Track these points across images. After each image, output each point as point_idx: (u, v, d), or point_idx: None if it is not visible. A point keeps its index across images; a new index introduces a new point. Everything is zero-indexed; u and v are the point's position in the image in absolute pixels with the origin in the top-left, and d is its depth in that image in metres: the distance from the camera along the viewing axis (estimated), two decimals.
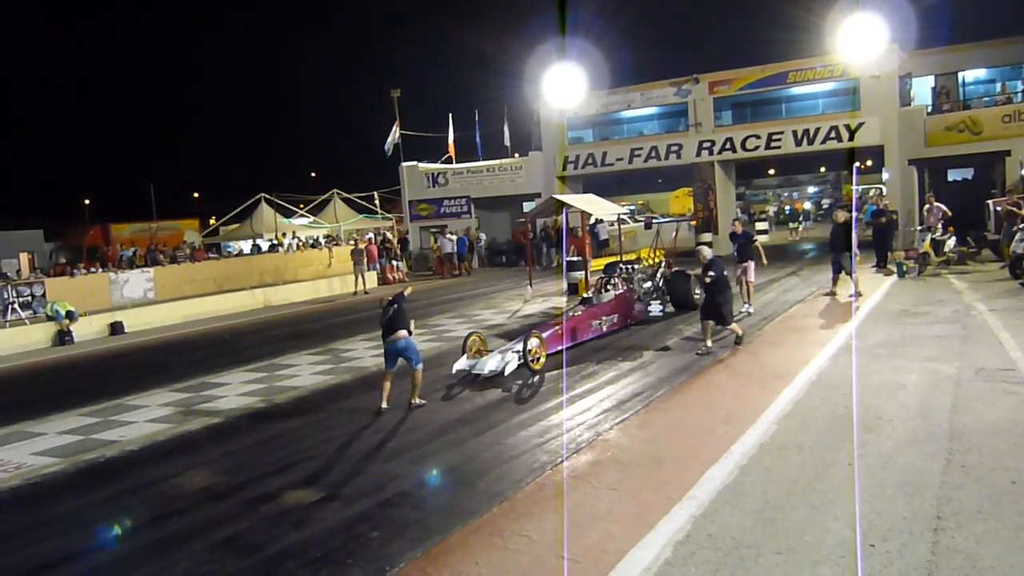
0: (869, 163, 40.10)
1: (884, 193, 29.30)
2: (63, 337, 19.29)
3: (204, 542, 6.08)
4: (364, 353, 13.91)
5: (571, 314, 13.35)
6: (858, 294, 15.66)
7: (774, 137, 29.27)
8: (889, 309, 14.09)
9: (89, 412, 10.99)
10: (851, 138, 27.77)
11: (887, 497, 5.76)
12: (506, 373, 10.81)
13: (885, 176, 28.91)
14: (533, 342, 11.31)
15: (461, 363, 11.17)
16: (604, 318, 13.73)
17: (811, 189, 72.65)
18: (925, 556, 4.85)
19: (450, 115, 36.95)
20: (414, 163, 36.11)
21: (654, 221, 17.43)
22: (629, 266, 15.95)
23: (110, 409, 11.09)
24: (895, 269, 18.60)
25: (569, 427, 8.34)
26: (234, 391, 11.72)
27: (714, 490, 6.16)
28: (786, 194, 69.81)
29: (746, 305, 14.70)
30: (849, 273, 15.68)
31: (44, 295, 20.88)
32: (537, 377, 10.94)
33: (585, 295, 14.86)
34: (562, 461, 7.24)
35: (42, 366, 16.72)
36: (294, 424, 9.67)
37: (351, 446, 8.45)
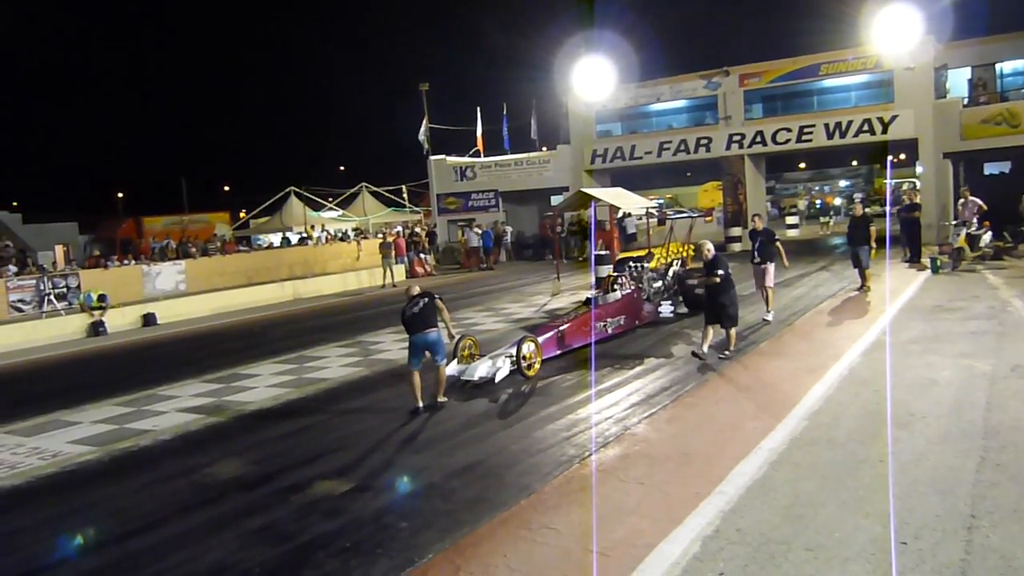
0: (902, 157, 39.54)
1: (918, 187, 28.90)
2: (97, 328, 19.59)
3: (236, 531, 6.16)
4: (392, 346, 13.98)
5: (572, 316, 12.52)
6: (866, 288, 15.73)
7: (805, 130, 28.93)
8: (922, 305, 13.89)
9: (123, 402, 11.16)
10: (884, 131, 27.37)
11: (919, 495, 5.69)
12: (497, 380, 10.19)
13: (919, 170, 28.48)
14: (528, 347, 10.61)
15: (450, 368, 10.30)
16: (609, 320, 12.83)
17: (843, 183, 71.80)
18: (959, 555, 4.79)
19: (478, 108, 37.02)
20: (442, 157, 36.18)
21: (668, 217, 16.59)
22: (639, 265, 15.07)
23: (143, 399, 11.26)
24: (928, 264, 18.33)
25: (597, 421, 8.33)
26: (264, 382, 11.84)
27: (743, 485, 6.12)
28: (817, 188, 69.07)
29: (769, 313, 13.38)
30: (863, 267, 15.70)
31: (79, 287, 21.21)
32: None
33: (588, 296, 13.85)
34: (590, 455, 7.24)
35: (77, 356, 17.00)
36: (323, 416, 9.76)
37: (380, 438, 8.50)
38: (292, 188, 39.68)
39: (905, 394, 8.25)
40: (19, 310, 20.73)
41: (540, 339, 11.13)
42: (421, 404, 9.29)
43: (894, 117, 27.11)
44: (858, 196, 53.06)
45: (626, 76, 31.09)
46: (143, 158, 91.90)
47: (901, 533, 5.08)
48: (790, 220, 40.32)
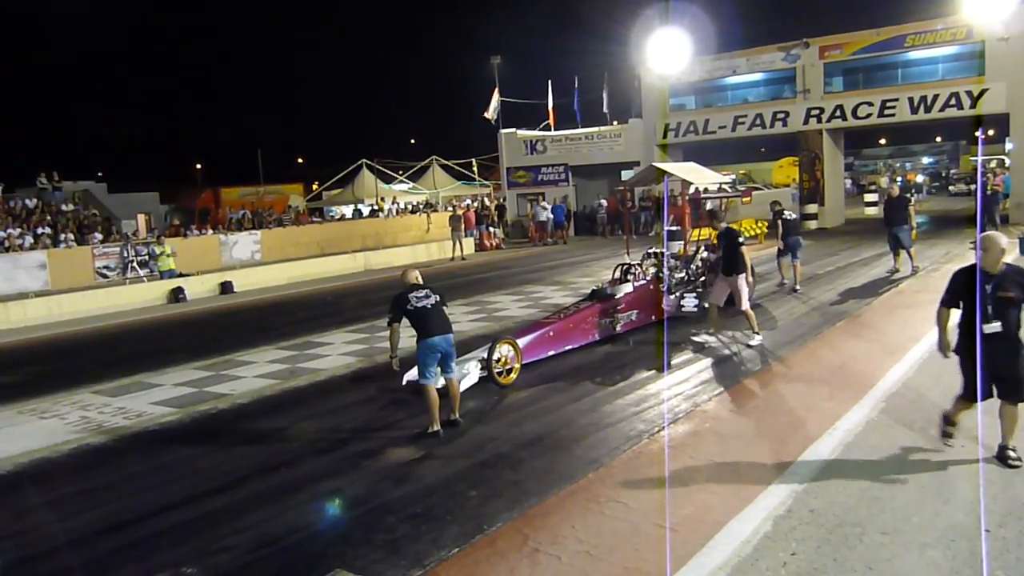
0: (991, 132, 37.88)
1: (1006, 164, 27.69)
2: (178, 295, 20.23)
3: (309, 493, 6.32)
4: (461, 318, 14.07)
5: (570, 311, 11.23)
6: (915, 269, 15.58)
7: (888, 104, 27.91)
8: None
9: (202, 366, 11.53)
10: (973, 106, 26.22)
11: (1005, 482, 5.50)
12: (462, 388, 8.57)
13: (1008, 146, 27.23)
14: (504, 350, 9.29)
15: (413, 373, 8.52)
16: (618, 315, 11.47)
17: (925, 160, 69.33)
18: None
19: (549, 82, 36.71)
20: (512, 130, 36.03)
21: (701, 198, 15.26)
22: (660, 252, 13.23)
23: (221, 364, 11.61)
24: (1016, 244, 17.55)
25: (667, 397, 8.26)
26: (337, 351, 12.08)
27: (817, 466, 6.00)
28: (898, 164, 66.77)
29: (756, 336, 10.60)
30: (907, 248, 15.44)
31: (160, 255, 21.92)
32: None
33: (595, 288, 12.27)
34: (659, 430, 7.19)
35: (158, 321, 17.60)
36: (393, 384, 9.84)
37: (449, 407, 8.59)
38: (364, 161, 40.18)
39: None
40: (104, 276, 21.61)
41: (521, 341, 9.73)
42: (439, 427, 7.58)
43: (984, 91, 25.90)
44: (898, 178, 51.21)
45: (701, 48, 30.43)
46: (221, 131, 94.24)
47: (984, 520, 4.92)
48: (869, 198, 39.14)
